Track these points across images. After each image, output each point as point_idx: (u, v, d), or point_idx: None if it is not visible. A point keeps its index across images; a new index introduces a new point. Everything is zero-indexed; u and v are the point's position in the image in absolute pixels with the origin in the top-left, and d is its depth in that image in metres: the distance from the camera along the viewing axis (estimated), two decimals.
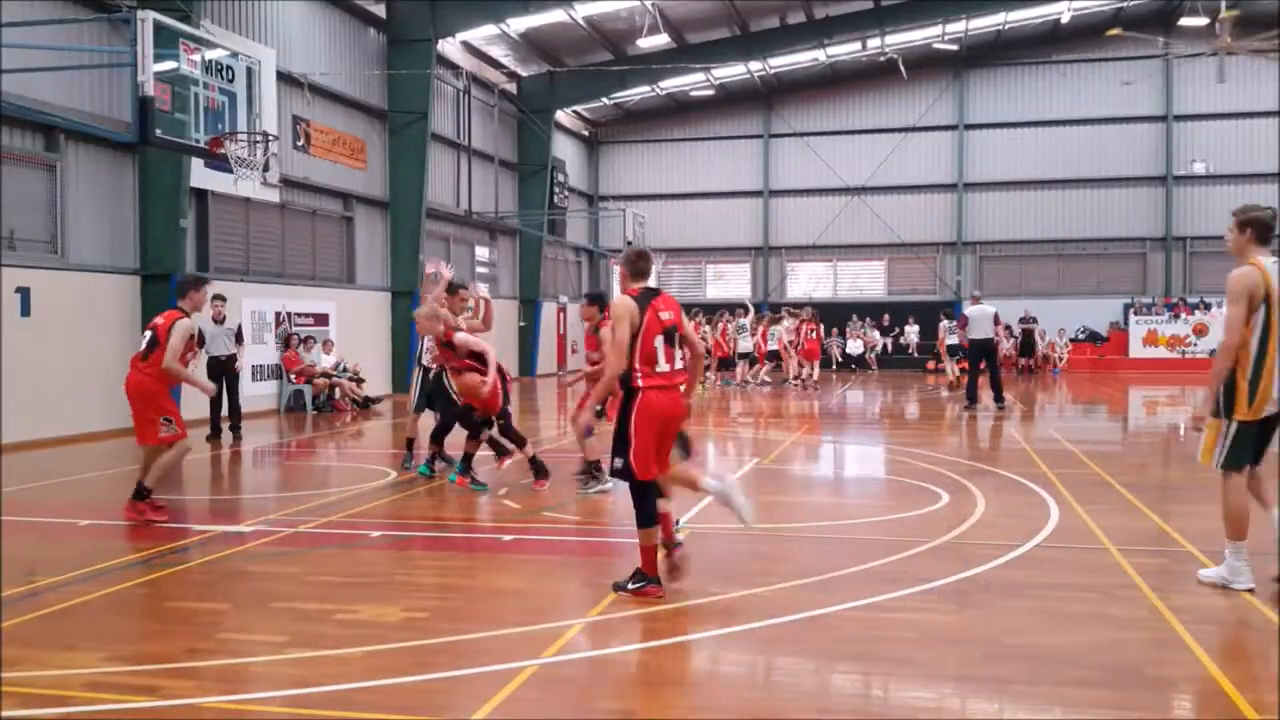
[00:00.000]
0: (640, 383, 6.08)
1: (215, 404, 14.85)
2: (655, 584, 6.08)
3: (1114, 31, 26.31)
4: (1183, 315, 32.40)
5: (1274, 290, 5.85)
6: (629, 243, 29.98)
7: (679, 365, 6.22)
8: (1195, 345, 31.97)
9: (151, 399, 8.64)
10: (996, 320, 18.52)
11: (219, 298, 15.13)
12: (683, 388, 6.30)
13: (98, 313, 15.26)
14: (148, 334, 8.77)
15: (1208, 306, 32.46)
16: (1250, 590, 5.98)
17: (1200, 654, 5.03)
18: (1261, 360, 5.90)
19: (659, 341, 6.06)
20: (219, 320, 15.15)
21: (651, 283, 6.38)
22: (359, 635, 5.44)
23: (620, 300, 6.14)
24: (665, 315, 6.12)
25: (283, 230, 20.29)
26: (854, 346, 33.95)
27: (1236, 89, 32.36)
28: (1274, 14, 26.51)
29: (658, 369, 6.08)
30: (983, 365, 18.38)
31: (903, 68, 30.11)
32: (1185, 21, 28.74)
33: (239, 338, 15.58)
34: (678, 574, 6.27)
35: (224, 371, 15.09)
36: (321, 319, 20.84)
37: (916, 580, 6.41)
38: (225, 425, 15.04)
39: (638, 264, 6.35)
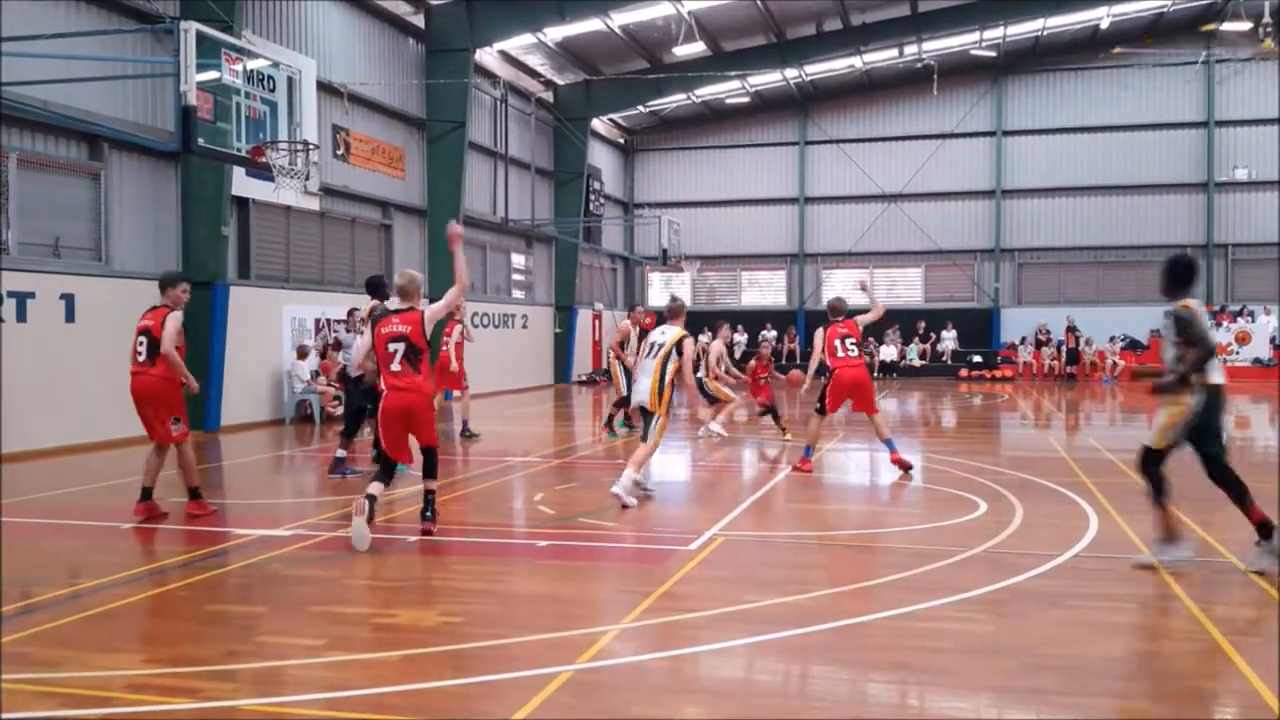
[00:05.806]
0: (381, 385, 8.16)
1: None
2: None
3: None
4: (1224, 323, 31.86)
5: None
6: (664, 249, 30.06)
7: (395, 368, 7.84)
8: (1238, 353, 31.43)
9: (165, 400, 9.00)
10: None
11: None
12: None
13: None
14: (143, 339, 8.98)
15: (1251, 314, 31.95)
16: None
17: (1243, 666, 4.96)
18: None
19: (386, 350, 7.85)
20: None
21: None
22: (395, 639, 5.49)
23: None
24: (385, 330, 7.86)
25: (322, 238, 20.49)
26: (888, 353, 33.83)
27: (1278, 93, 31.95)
28: None
29: (390, 369, 7.86)
30: None
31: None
32: (1226, 26, 28.38)
33: None
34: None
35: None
36: None
37: (953, 590, 6.37)
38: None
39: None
